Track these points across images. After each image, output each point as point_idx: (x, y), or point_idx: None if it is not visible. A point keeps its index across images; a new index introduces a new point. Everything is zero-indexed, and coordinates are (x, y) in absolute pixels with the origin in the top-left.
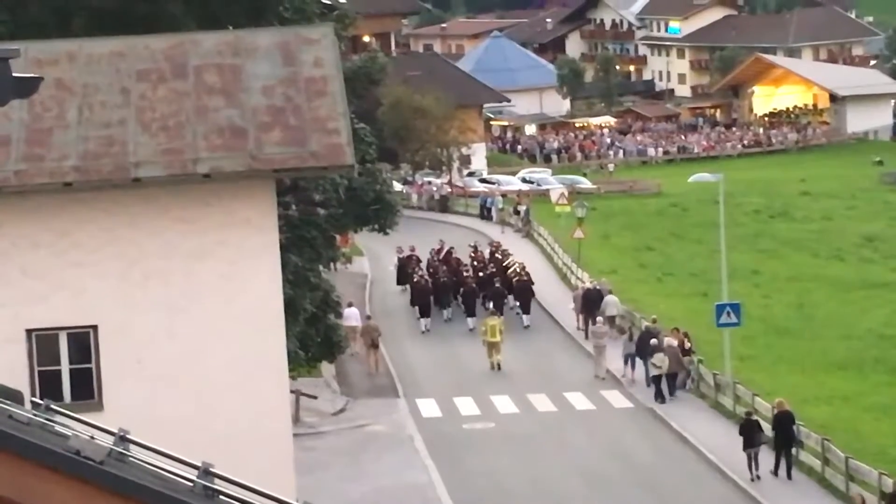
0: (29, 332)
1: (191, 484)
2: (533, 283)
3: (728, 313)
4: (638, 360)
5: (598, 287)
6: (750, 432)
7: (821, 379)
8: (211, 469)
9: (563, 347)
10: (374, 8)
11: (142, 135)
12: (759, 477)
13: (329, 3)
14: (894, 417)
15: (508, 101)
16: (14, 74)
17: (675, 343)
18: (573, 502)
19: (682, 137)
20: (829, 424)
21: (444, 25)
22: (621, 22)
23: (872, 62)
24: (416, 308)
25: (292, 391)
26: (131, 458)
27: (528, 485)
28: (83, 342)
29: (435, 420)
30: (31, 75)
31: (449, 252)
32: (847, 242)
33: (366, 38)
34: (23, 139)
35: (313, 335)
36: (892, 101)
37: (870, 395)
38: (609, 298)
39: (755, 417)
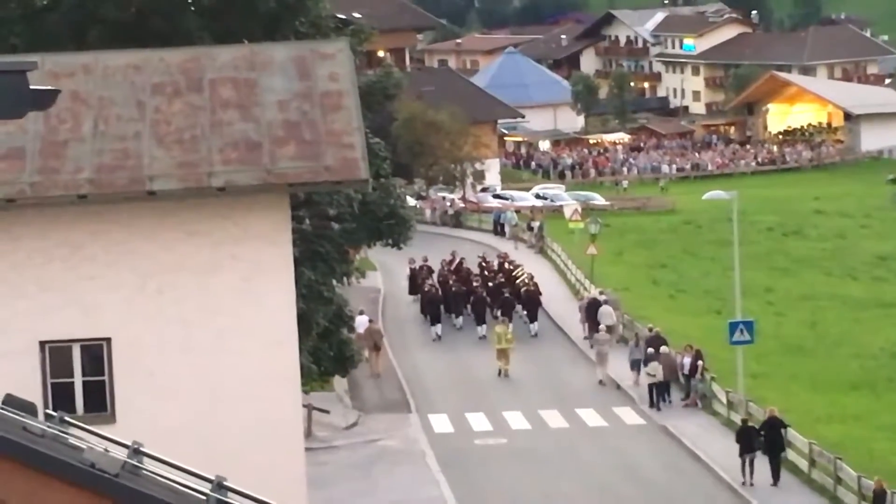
0: (42, 344)
1: (204, 497)
2: (541, 294)
3: (741, 331)
4: (642, 367)
5: (597, 297)
6: (747, 438)
7: (833, 398)
8: (224, 483)
9: (571, 358)
10: (389, 23)
11: (157, 148)
12: (752, 483)
13: (345, 17)
14: None
15: (523, 116)
16: (31, 87)
17: (670, 352)
18: None
19: (696, 155)
20: (842, 443)
21: (458, 41)
22: (636, 39)
23: (887, 81)
24: (427, 316)
25: (305, 405)
26: (145, 471)
27: (540, 501)
28: (96, 354)
29: (447, 435)
30: (49, 88)
31: (460, 262)
32: (860, 261)
33: (381, 54)
34: (38, 151)
35: (326, 349)
36: None
37: (883, 415)
38: (604, 309)
39: (751, 424)
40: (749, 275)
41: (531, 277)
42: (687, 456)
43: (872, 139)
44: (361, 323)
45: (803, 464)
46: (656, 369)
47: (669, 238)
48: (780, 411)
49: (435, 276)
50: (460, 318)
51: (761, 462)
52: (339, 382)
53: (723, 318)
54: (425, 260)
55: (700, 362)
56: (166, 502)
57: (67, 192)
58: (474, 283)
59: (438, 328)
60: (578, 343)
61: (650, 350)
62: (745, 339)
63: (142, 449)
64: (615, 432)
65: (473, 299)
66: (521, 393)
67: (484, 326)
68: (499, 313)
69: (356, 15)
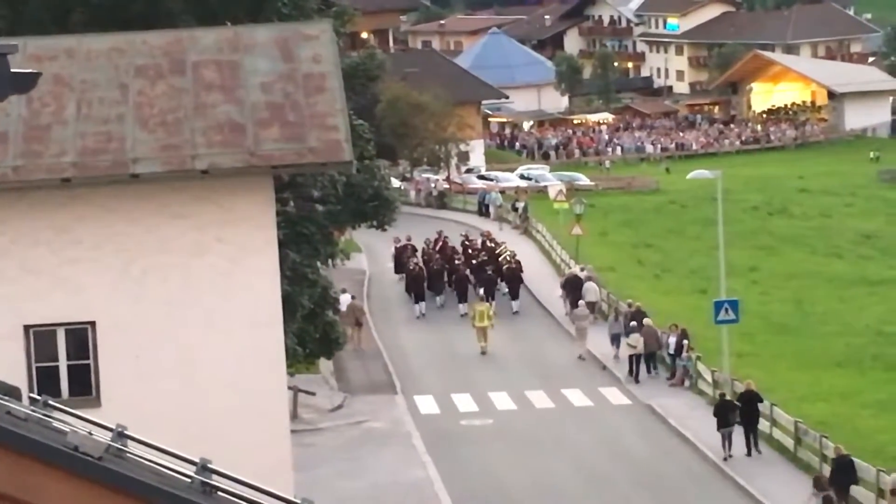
0: (27, 328)
1: (189, 480)
2: (522, 271)
3: (726, 310)
4: (623, 340)
5: (577, 274)
6: (724, 413)
7: (819, 376)
8: (209, 465)
9: (554, 335)
10: (372, 4)
11: (140, 131)
12: (731, 456)
13: None
14: (892, 414)
15: (507, 97)
16: (12, 70)
17: (652, 325)
18: (571, 499)
19: (681, 134)
20: (828, 421)
21: (442, 22)
22: (619, 18)
23: (871, 59)
24: (412, 294)
25: (290, 387)
26: (129, 454)
27: (526, 481)
28: (81, 338)
29: (433, 416)
30: (30, 70)
31: (444, 241)
32: (845, 239)
33: (364, 35)
34: (21, 135)
35: (311, 331)
36: (890, 97)
37: (868, 392)
38: (588, 285)
39: (728, 398)
40: (734, 254)
41: (513, 255)
42: (673, 435)
43: (856, 117)
44: (344, 301)
45: (789, 442)
46: (637, 341)
47: (654, 218)
48: (766, 389)
49: (419, 254)
50: (442, 297)
51: (739, 435)
52: (325, 364)
53: (708, 298)
54: (409, 239)
55: (685, 341)
56: (150, 485)
57: (51, 175)
58: (456, 262)
59: (422, 306)
60: (561, 320)
61: (633, 323)
62: (731, 318)
63: (126, 432)
64: (601, 412)
65: (456, 277)
66: (507, 372)
67: (465, 304)
68: (481, 291)
69: None
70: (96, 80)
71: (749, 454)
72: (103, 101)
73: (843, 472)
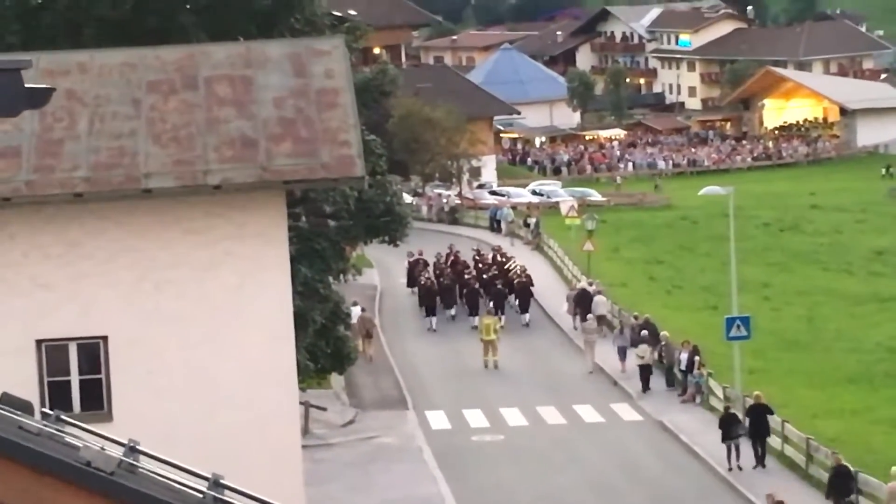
0: (39, 342)
1: (200, 495)
2: (532, 285)
3: (738, 326)
4: (630, 353)
5: (587, 288)
6: (729, 425)
7: (831, 392)
8: (220, 480)
9: (563, 349)
10: (384, 20)
11: (152, 146)
12: (740, 468)
13: (340, 15)
14: None
15: (519, 113)
16: (26, 85)
17: (667, 334)
18: None
19: (693, 150)
20: (840, 438)
21: (454, 38)
22: (632, 35)
23: (883, 76)
24: (424, 308)
25: (301, 403)
26: (141, 470)
27: (537, 498)
28: (93, 353)
29: (444, 432)
30: (44, 86)
31: (455, 255)
32: (857, 256)
33: (376, 50)
34: (34, 150)
35: (323, 347)
36: None
37: (880, 409)
38: (598, 298)
39: (734, 410)
40: (745, 270)
41: (524, 269)
42: (684, 451)
43: (868, 134)
44: (355, 313)
45: (800, 458)
46: (645, 351)
47: (666, 234)
48: (778, 406)
49: (431, 269)
50: (453, 309)
51: (746, 447)
52: (337, 380)
53: (719, 314)
54: (420, 253)
55: (697, 357)
56: (162, 500)
57: (63, 190)
58: (466, 276)
59: (433, 320)
60: (571, 335)
61: (644, 332)
62: (742, 334)
63: (138, 447)
64: (612, 428)
65: (466, 291)
66: (518, 387)
67: (477, 318)
68: (491, 304)
69: (351, 12)
70: (109, 94)
71: (756, 466)
72: (116, 116)
73: (842, 482)
